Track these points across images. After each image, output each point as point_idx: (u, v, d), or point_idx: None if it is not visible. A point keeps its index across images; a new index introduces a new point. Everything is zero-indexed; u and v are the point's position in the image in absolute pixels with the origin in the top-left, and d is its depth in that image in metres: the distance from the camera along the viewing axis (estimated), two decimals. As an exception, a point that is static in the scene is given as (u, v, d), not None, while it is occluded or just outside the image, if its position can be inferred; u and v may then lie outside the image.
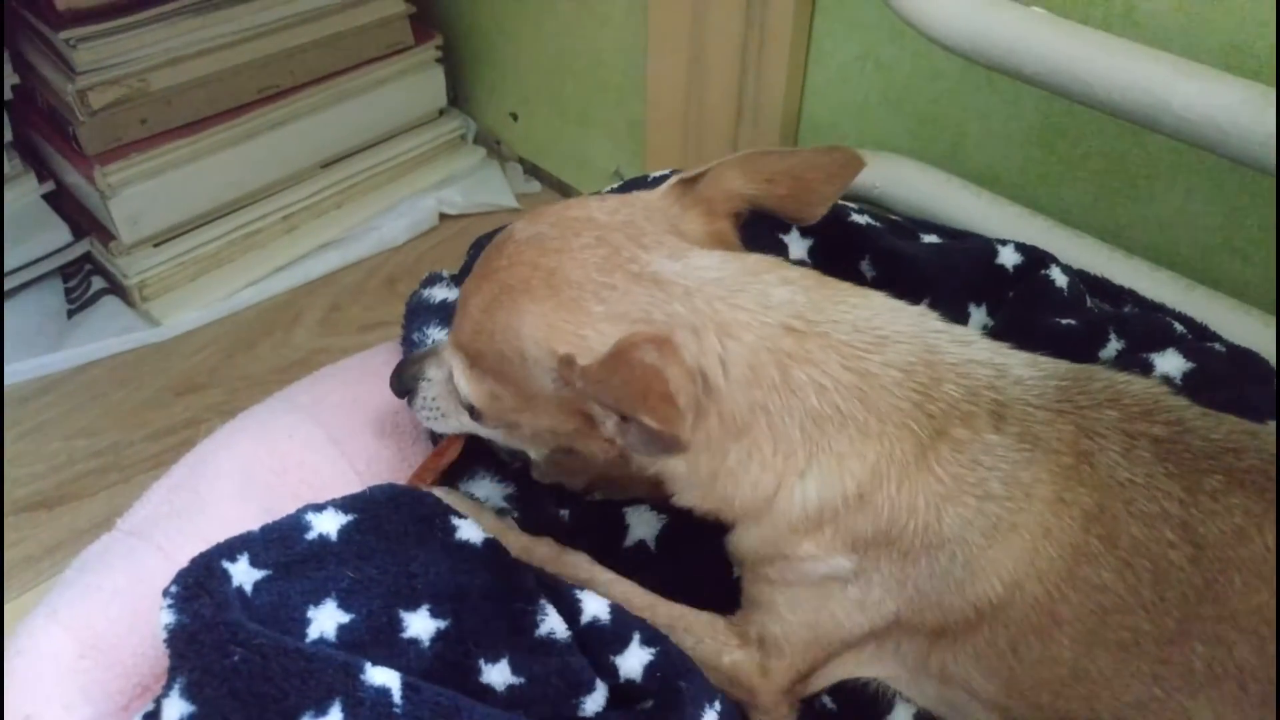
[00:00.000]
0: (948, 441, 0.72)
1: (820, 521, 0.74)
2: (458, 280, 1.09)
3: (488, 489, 0.91)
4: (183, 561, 0.73)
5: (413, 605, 0.75)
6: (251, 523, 0.79)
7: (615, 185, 1.21)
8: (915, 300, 1.04)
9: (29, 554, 1.31)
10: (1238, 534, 0.69)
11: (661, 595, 0.83)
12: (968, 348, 0.75)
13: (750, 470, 0.73)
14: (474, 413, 0.79)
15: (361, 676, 0.67)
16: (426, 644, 0.75)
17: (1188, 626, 0.70)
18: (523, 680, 0.74)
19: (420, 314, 1.03)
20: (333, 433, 0.94)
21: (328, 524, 0.78)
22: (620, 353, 0.66)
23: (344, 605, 0.74)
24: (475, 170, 1.95)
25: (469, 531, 0.79)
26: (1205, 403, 0.79)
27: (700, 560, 0.87)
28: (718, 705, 0.75)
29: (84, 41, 1.45)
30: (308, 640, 0.73)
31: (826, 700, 0.84)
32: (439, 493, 0.86)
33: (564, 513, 0.90)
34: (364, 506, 0.79)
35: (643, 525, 0.91)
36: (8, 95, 1.56)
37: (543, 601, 0.77)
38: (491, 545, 0.79)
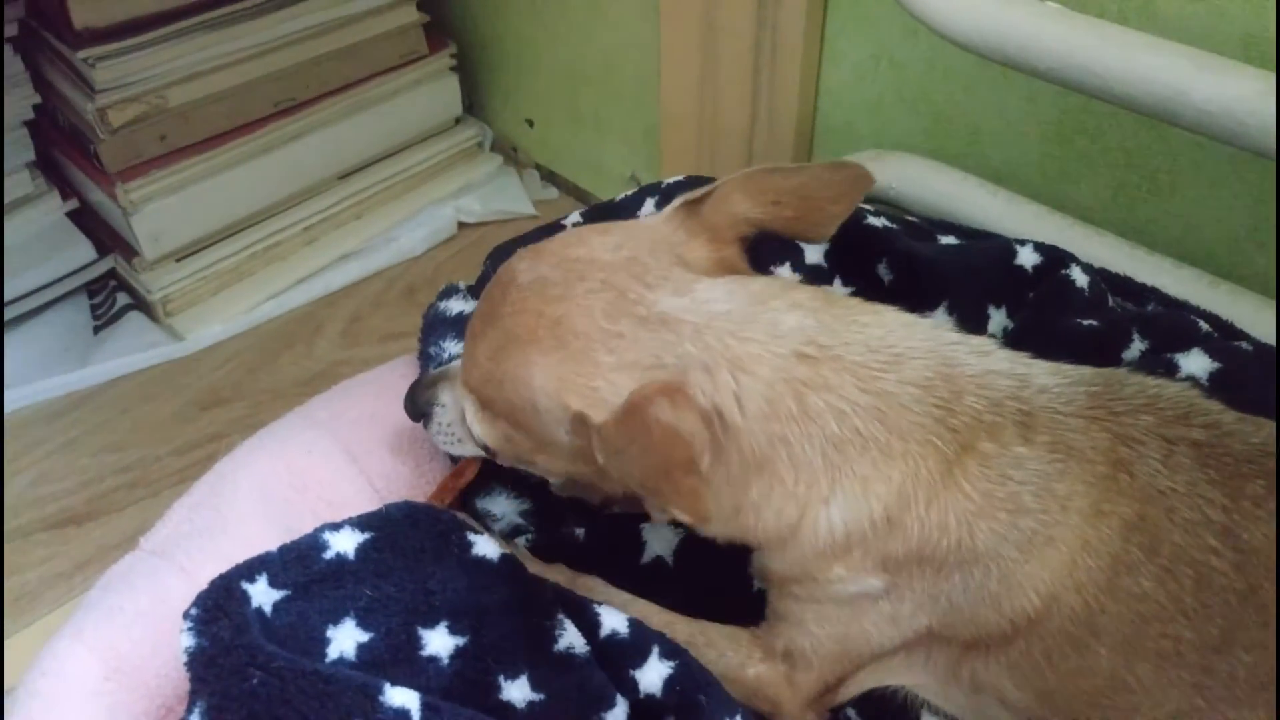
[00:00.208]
0: (975, 456, 0.71)
1: (848, 546, 0.73)
2: (474, 292, 1.09)
3: (504, 505, 0.91)
4: (204, 581, 0.73)
5: (431, 622, 0.76)
6: (272, 541, 0.80)
7: (631, 191, 1.21)
8: (934, 303, 1.05)
9: (60, 570, 1.32)
10: None
11: (682, 611, 0.82)
12: (987, 358, 0.74)
13: (773, 501, 0.72)
14: (488, 450, 0.78)
15: (380, 698, 0.67)
16: (446, 661, 0.75)
17: (1232, 634, 0.69)
18: (543, 696, 0.74)
19: (437, 327, 1.03)
20: (351, 449, 0.95)
21: (345, 543, 0.78)
22: (634, 410, 0.65)
23: (363, 624, 0.75)
24: (493, 178, 1.95)
25: (486, 547, 0.79)
26: (1233, 403, 0.78)
27: (720, 574, 0.86)
28: (739, 718, 0.75)
29: (102, 60, 1.47)
30: (328, 660, 0.73)
31: (851, 713, 0.83)
32: None
33: (580, 531, 0.90)
34: (380, 524, 0.79)
35: (660, 541, 0.90)
36: (29, 115, 1.57)
37: (561, 616, 0.77)
38: (509, 561, 0.79)
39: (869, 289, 1.08)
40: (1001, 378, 0.73)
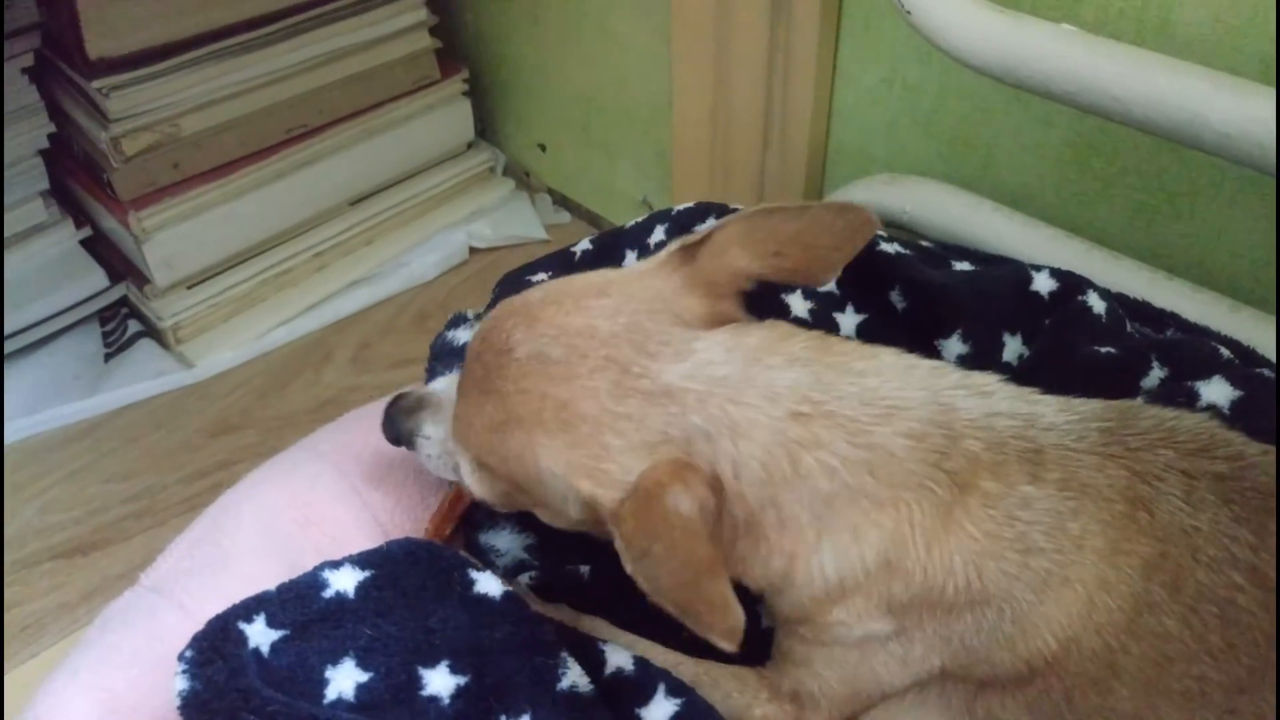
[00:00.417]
0: (976, 496, 0.69)
1: (844, 591, 0.71)
2: (482, 319, 1.08)
3: (508, 541, 0.90)
4: (203, 619, 0.72)
5: (432, 662, 0.74)
6: (274, 577, 0.79)
7: (641, 218, 1.20)
8: (948, 331, 1.04)
9: (65, 601, 1.31)
10: None
11: (688, 651, 0.80)
12: (989, 399, 0.73)
13: (759, 554, 0.71)
14: (485, 502, 0.77)
15: (376, 741, 0.65)
16: (447, 701, 0.73)
17: (1259, 674, 0.67)
18: (546, 736, 0.72)
19: (444, 356, 1.02)
20: (355, 482, 0.93)
21: (345, 581, 0.77)
22: (649, 499, 0.64)
23: (363, 664, 0.73)
24: (505, 202, 1.94)
25: (488, 585, 0.78)
26: (1256, 431, 0.76)
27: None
28: (747, 760, 0.73)
29: (116, 90, 1.47)
30: (326, 701, 0.72)
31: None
32: None
33: (585, 569, 0.88)
34: (381, 562, 0.78)
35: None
36: (44, 144, 1.58)
37: (564, 654, 0.75)
38: (511, 598, 0.78)
39: (882, 317, 1.06)
40: (1004, 418, 0.72)
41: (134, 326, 1.67)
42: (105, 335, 1.67)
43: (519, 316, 0.73)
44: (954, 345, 1.04)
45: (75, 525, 1.41)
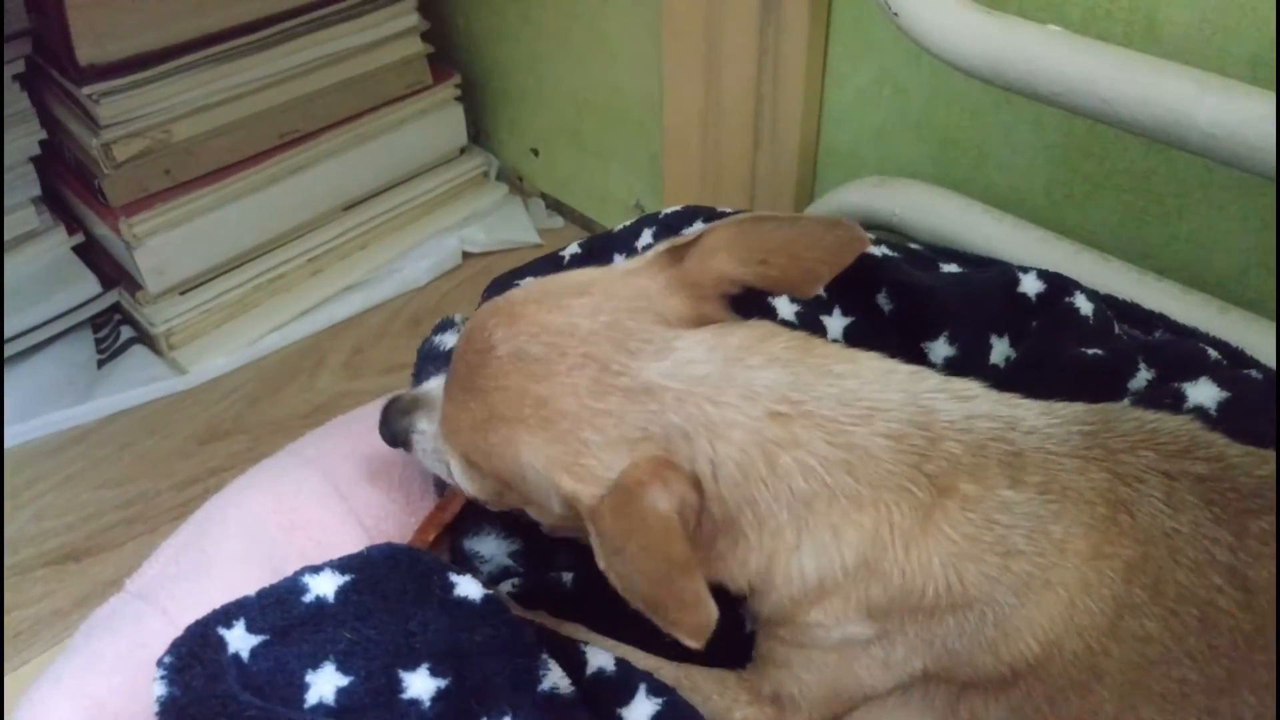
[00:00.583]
0: (955, 498, 0.69)
1: (823, 592, 0.71)
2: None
3: (493, 547, 0.89)
4: (186, 625, 0.72)
5: (412, 665, 0.74)
6: (258, 583, 0.79)
7: (629, 222, 1.20)
8: (935, 333, 1.04)
9: (58, 607, 1.31)
10: None
11: (671, 658, 0.80)
12: (969, 403, 0.72)
13: (737, 554, 0.71)
14: (476, 500, 0.77)
15: (354, 746, 0.65)
16: (427, 704, 0.73)
17: (1238, 675, 0.67)
18: (527, 738, 0.72)
19: (432, 360, 1.02)
20: (341, 487, 0.93)
21: (325, 585, 0.77)
22: (628, 496, 0.64)
23: (343, 668, 0.73)
24: (498, 207, 1.94)
25: (468, 588, 0.78)
26: (1244, 433, 0.76)
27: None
28: (728, 761, 0.73)
29: (107, 96, 1.47)
30: (306, 705, 0.71)
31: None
32: None
33: (567, 576, 0.88)
34: (361, 566, 0.78)
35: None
36: (36, 151, 1.58)
37: (544, 656, 0.75)
38: (491, 601, 0.78)
39: (868, 319, 1.06)
40: (985, 420, 0.72)
41: (126, 333, 1.67)
42: (98, 341, 1.67)
43: (500, 315, 0.73)
44: (941, 347, 1.03)
45: (68, 531, 1.41)
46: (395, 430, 0.83)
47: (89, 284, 1.65)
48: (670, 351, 0.70)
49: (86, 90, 1.46)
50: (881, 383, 0.71)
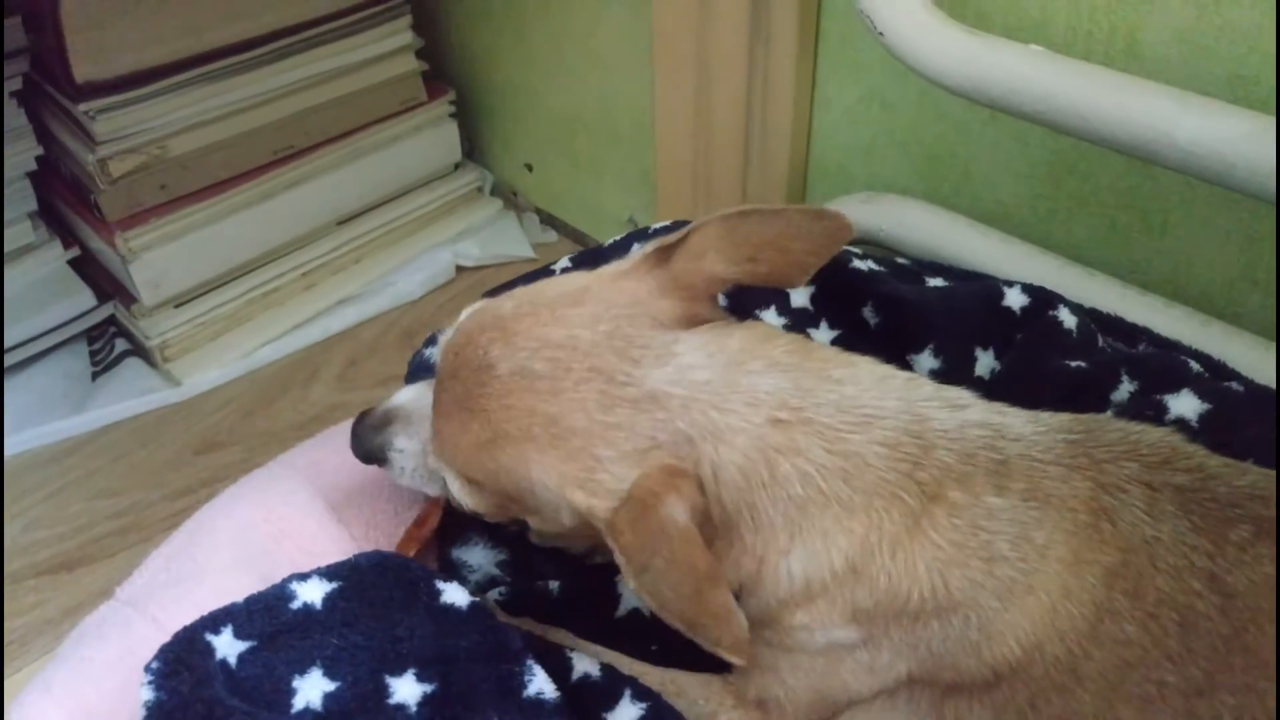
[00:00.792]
0: (943, 506, 0.70)
1: (810, 595, 0.72)
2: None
3: (480, 556, 0.90)
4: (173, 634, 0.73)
5: (399, 670, 0.75)
6: (247, 591, 0.80)
7: (619, 236, 1.21)
8: (920, 346, 1.05)
9: (48, 617, 1.32)
10: (1267, 582, 0.67)
11: (656, 662, 0.81)
12: (961, 412, 0.73)
13: (731, 555, 0.72)
14: (476, 514, 0.78)
15: (341, 751, 0.66)
16: (414, 709, 0.74)
17: (1216, 677, 0.68)
18: (513, 743, 0.73)
19: (422, 374, 1.03)
20: (330, 498, 0.94)
21: (312, 592, 0.77)
22: (645, 509, 0.65)
23: (329, 673, 0.74)
24: (492, 222, 1.96)
25: (454, 595, 0.79)
26: (1224, 444, 0.77)
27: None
28: (712, 766, 0.74)
29: (103, 112, 1.49)
30: (294, 710, 0.72)
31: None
32: None
33: (554, 585, 0.89)
34: (348, 574, 0.79)
35: (635, 594, 0.89)
36: (32, 166, 1.59)
37: (530, 662, 0.76)
38: (477, 608, 0.79)
39: (854, 332, 1.07)
40: (975, 428, 0.73)
41: (121, 345, 1.68)
42: (93, 354, 1.68)
43: (493, 331, 0.72)
44: (926, 360, 1.05)
45: (61, 542, 1.41)
46: (369, 447, 0.82)
47: (84, 297, 1.66)
48: (671, 357, 0.70)
49: (83, 107, 1.48)
50: (879, 389, 0.72)
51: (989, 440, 0.72)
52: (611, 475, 0.68)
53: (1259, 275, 1.10)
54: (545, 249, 1.92)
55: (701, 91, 1.45)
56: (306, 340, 1.72)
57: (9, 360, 1.60)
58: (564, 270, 1.18)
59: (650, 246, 0.76)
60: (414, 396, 0.81)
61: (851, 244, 1.28)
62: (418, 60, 1.82)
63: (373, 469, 0.94)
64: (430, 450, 0.77)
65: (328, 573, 0.79)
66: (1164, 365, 1.00)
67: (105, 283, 1.69)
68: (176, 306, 1.66)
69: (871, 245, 1.31)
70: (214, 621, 0.73)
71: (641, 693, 0.75)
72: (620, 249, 1.16)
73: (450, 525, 0.90)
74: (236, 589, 0.81)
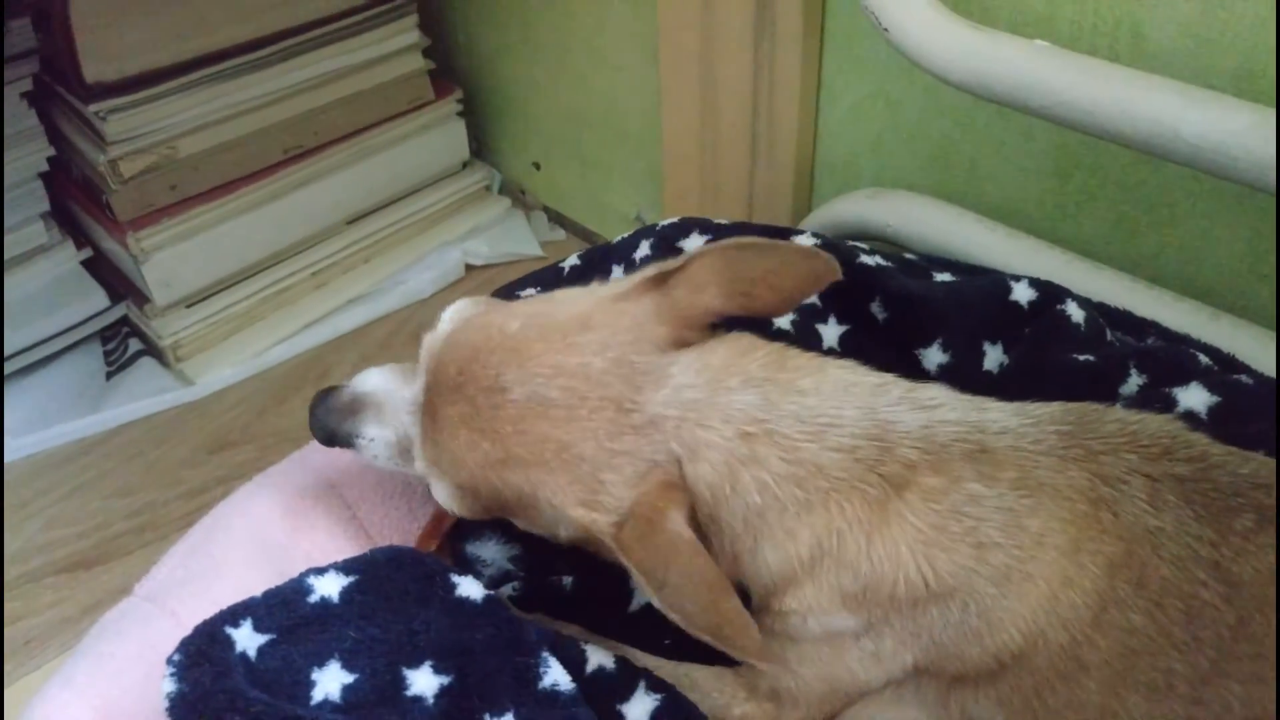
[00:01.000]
0: (916, 491, 0.72)
1: (789, 580, 0.74)
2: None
3: (494, 551, 0.91)
4: (193, 628, 0.74)
5: (416, 663, 0.76)
6: (264, 586, 0.80)
7: (628, 234, 1.22)
8: (928, 341, 1.05)
9: (67, 615, 1.33)
10: (1272, 571, 0.68)
11: (669, 656, 0.82)
12: (932, 411, 0.75)
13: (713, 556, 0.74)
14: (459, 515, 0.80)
15: (360, 741, 0.67)
16: (431, 701, 0.75)
17: (1223, 666, 0.69)
18: (529, 734, 0.74)
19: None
20: (345, 494, 0.95)
21: (329, 586, 0.78)
22: (651, 526, 0.68)
23: (347, 666, 0.75)
24: (500, 220, 1.97)
25: (469, 588, 0.80)
26: (1234, 437, 0.78)
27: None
28: (727, 755, 0.75)
29: (114, 113, 1.50)
30: (313, 702, 0.73)
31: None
32: None
33: (567, 580, 0.90)
34: (365, 568, 0.80)
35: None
36: (44, 167, 1.61)
37: (545, 654, 0.77)
38: (492, 601, 0.80)
39: (863, 328, 1.08)
40: (949, 426, 0.74)
41: (134, 345, 1.70)
42: (106, 354, 1.69)
43: (504, 353, 0.74)
44: (934, 355, 1.05)
45: (77, 540, 1.43)
46: (333, 431, 0.82)
47: (97, 298, 1.67)
48: (667, 379, 0.73)
49: (93, 108, 1.49)
50: (840, 398, 0.74)
51: (963, 434, 0.74)
52: (612, 497, 0.71)
53: (1266, 269, 1.10)
54: (553, 247, 1.93)
55: (707, 89, 1.46)
56: (318, 339, 1.74)
57: (23, 361, 1.62)
58: (572, 267, 1.19)
59: (650, 271, 0.78)
60: (381, 383, 0.82)
61: (859, 239, 1.29)
62: (425, 59, 1.83)
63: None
64: (419, 454, 0.78)
65: (344, 567, 0.80)
66: (1173, 359, 1.01)
67: (118, 283, 1.70)
68: (189, 306, 1.67)
69: (878, 241, 1.32)
70: (234, 615, 0.74)
71: (656, 684, 0.76)
72: (629, 246, 1.17)
73: (464, 521, 0.91)
74: (253, 584, 0.82)
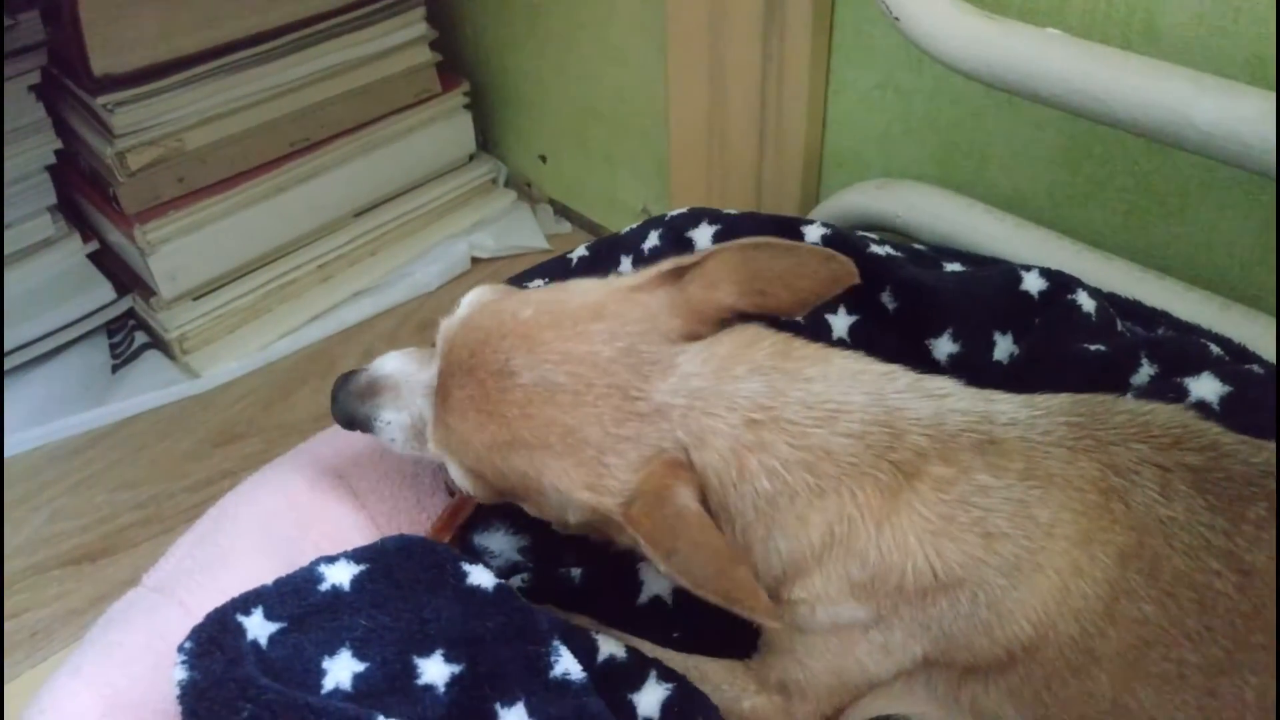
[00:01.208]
0: (926, 480, 0.72)
1: (799, 569, 0.74)
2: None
3: (503, 542, 0.91)
4: (202, 616, 0.74)
5: (427, 651, 0.76)
6: (273, 576, 0.80)
7: (636, 224, 1.22)
8: (938, 331, 1.05)
9: (74, 607, 1.33)
10: None
11: (679, 648, 0.82)
12: (941, 400, 0.75)
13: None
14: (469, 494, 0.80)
15: (371, 729, 0.67)
16: (442, 690, 0.75)
17: (1237, 656, 0.68)
18: (540, 722, 0.74)
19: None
20: (353, 485, 0.95)
21: (340, 575, 0.78)
22: (660, 499, 0.69)
23: (358, 654, 0.75)
24: (506, 213, 1.96)
25: (480, 577, 0.79)
26: (1245, 426, 0.77)
27: (720, 612, 0.85)
28: (738, 745, 0.75)
29: (121, 106, 1.50)
30: (324, 691, 0.73)
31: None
32: None
33: (576, 571, 0.90)
34: (375, 556, 0.80)
35: (658, 581, 0.90)
36: (51, 160, 1.60)
37: (556, 643, 0.77)
38: (503, 590, 0.79)
39: (873, 318, 1.07)
40: (957, 415, 0.74)
41: (140, 338, 1.70)
42: (112, 347, 1.69)
43: (515, 338, 0.74)
44: (945, 345, 1.05)
45: (83, 533, 1.43)
46: (353, 414, 0.83)
47: (104, 290, 1.67)
48: (674, 369, 0.73)
49: (101, 100, 1.49)
50: (847, 384, 0.74)
51: (971, 424, 0.74)
52: (617, 481, 0.71)
53: (1276, 258, 1.10)
54: (560, 240, 1.93)
55: (715, 80, 1.45)
56: (324, 332, 1.73)
57: (30, 354, 1.62)
58: (580, 258, 1.19)
59: (666, 265, 0.78)
60: (399, 367, 0.82)
61: (868, 230, 1.29)
62: (432, 52, 1.82)
63: (393, 456, 0.95)
64: (430, 436, 0.78)
65: (355, 555, 0.80)
66: (1184, 348, 1.00)
67: (124, 276, 1.70)
68: (195, 299, 1.67)
69: (888, 231, 1.31)
70: (245, 603, 0.74)
71: (667, 674, 0.76)
72: (638, 237, 1.17)
73: (473, 513, 0.91)
74: (261, 574, 0.81)
